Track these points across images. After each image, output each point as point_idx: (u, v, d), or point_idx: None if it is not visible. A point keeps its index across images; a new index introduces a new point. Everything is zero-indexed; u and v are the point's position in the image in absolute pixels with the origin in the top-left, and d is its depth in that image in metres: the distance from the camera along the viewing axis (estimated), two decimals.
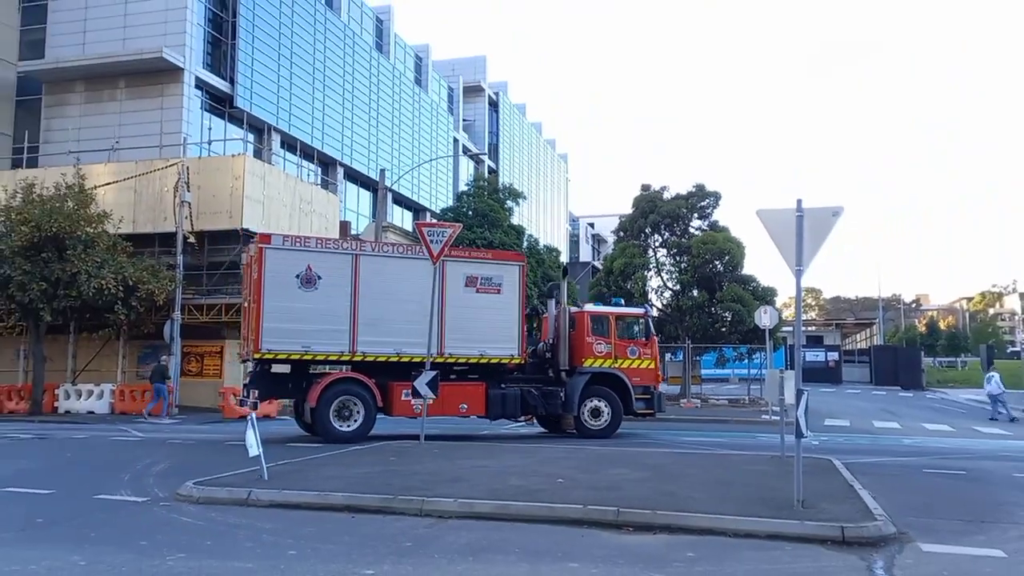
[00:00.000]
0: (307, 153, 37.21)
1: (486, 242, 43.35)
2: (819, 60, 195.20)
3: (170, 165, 25.70)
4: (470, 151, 59.12)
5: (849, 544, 7.22)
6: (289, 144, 36.68)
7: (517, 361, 17.45)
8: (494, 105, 65.03)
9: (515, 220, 52.63)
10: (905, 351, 58.06)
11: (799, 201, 8.96)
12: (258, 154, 32.84)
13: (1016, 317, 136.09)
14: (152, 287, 23.29)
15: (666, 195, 38.66)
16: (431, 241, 14.62)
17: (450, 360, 16.77)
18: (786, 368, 15.93)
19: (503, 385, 17.36)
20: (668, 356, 33.22)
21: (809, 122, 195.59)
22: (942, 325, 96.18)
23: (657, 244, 35.91)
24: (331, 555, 6.77)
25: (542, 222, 73.03)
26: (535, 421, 19.28)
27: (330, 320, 15.76)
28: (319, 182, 35.43)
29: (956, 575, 6.32)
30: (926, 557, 6.84)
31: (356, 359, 16.14)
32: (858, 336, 74.69)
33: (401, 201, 48.76)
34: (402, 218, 48.74)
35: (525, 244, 52.10)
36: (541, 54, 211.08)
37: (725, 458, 13.13)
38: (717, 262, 32.68)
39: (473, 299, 16.91)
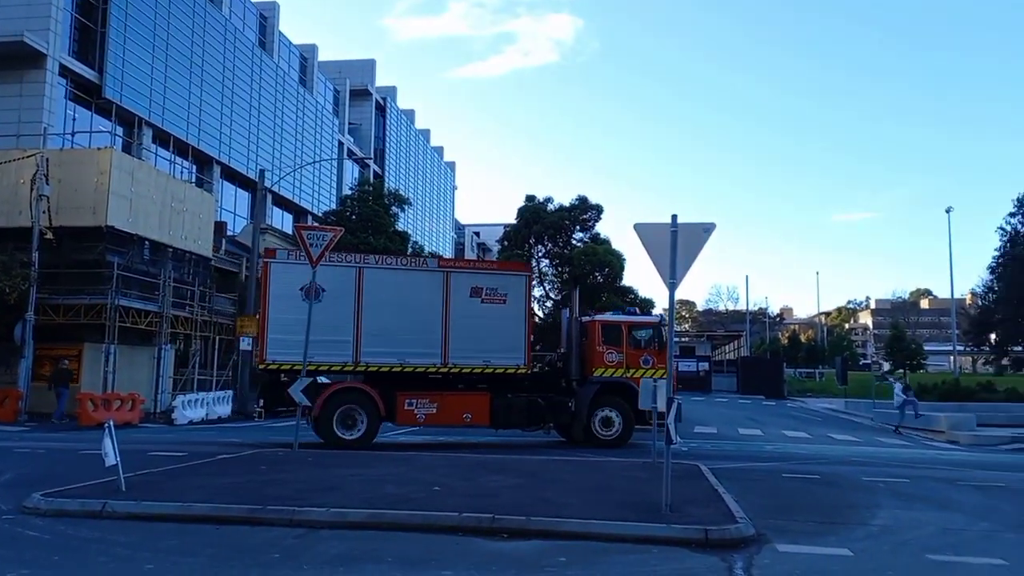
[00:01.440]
0: (181, 149, 35.60)
1: (369, 248, 42.71)
2: (700, 72, 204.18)
3: (28, 156, 23.92)
4: (355, 155, 58.21)
5: (712, 546, 7.52)
6: (162, 139, 34.98)
7: (523, 371, 17.27)
8: (381, 110, 64.33)
9: (400, 226, 52.16)
10: (769, 362, 61.34)
11: (674, 216, 9.30)
12: (127, 148, 31.14)
13: (868, 331, 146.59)
14: (3, 284, 21.63)
15: (550, 207, 39.41)
16: (311, 245, 14.28)
17: (454, 370, 16.82)
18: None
19: (509, 395, 17.21)
20: None
21: (691, 135, 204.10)
22: (803, 338, 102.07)
23: (541, 254, 36.51)
24: (192, 569, 6.46)
25: (428, 229, 72.72)
26: (552, 430, 18.73)
27: (334, 331, 15.98)
28: (194, 180, 33.91)
29: (807, 572, 6.67)
30: (782, 557, 7.20)
31: (360, 369, 16.36)
32: (727, 347, 78.23)
33: (282, 203, 47.42)
34: (282, 220, 47.37)
35: (409, 251, 51.79)
36: (430, 62, 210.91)
37: (600, 464, 13.42)
38: (598, 273, 33.55)
39: (478, 309, 16.97)
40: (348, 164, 58.11)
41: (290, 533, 7.82)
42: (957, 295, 55.94)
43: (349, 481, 10.67)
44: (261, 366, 16.19)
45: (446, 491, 9.88)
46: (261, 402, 16.51)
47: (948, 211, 49.61)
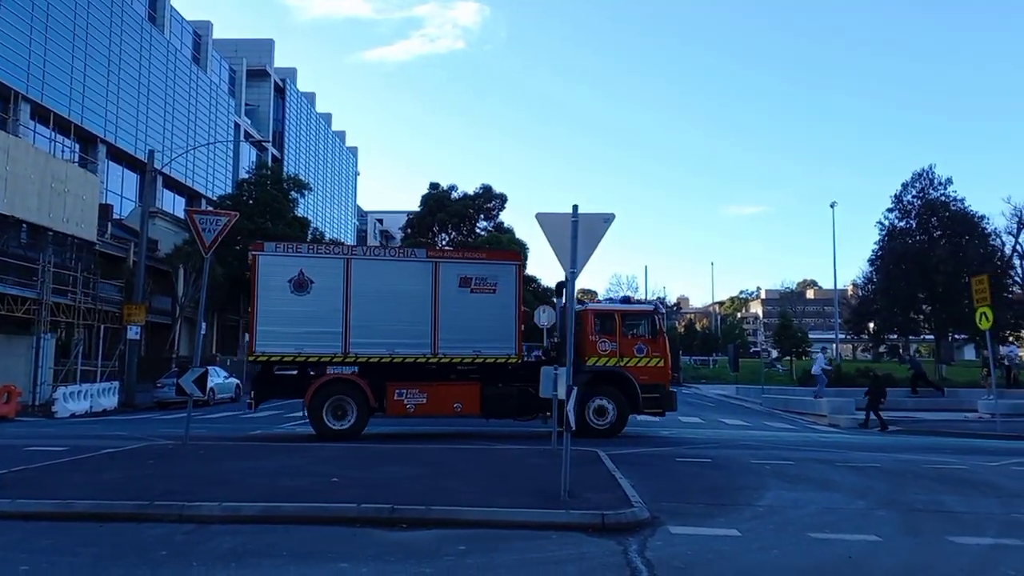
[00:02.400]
0: (63, 127, 33.60)
1: (266, 234, 41.55)
2: (603, 65, 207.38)
3: None
4: (252, 137, 56.40)
5: (609, 530, 7.68)
6: (41, 116, 32.95)
7: (514, 360, 17.14)
8: (280, 92, 62.54)
9: (300, 212, 50.97)
10: None
11: (575, 207, 9.42)
12: (2, 124, 29.17)
13: (758, 320, 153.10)
14: None
15: (455, 195, 39.24)
16: (203, 229, 13.72)
17: (444, 360, 16.77)
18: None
19: (500, 384, 17.17)
20: None
21: (594, 127, 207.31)
22: (698, 326, 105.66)
23: (445, 243, 36.35)
24: (72, 569, 6.14)
25: (329, 215, 71.30)
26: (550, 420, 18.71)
27: (323, 323, 16.14)
28: (76, 160, 32.08)
29: (698, 553, 6.91)
30: (674, 539, 7.43)
31: (349, 360, 16.39)
32: None
33: (173, 186, 45.52)
34: (174, 204, 45.50)
35: (310, 237, 50.63)
36: (333, 45, 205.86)
37: (502, 452, 13.51)
38: None
39: (468, 299, 16.87)
40: (245, 147, 56.27)
41: (179, 529, 7.54)
42: (840, 286, 59.13)
43: (243, 474, 10.37)
44: (251, 358, 16.39)
45: (345, 482, 9.73)
46: (252, 393, 16.87)
47: (832, 206, 52.54)
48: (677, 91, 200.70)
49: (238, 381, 33.03)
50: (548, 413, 17.57)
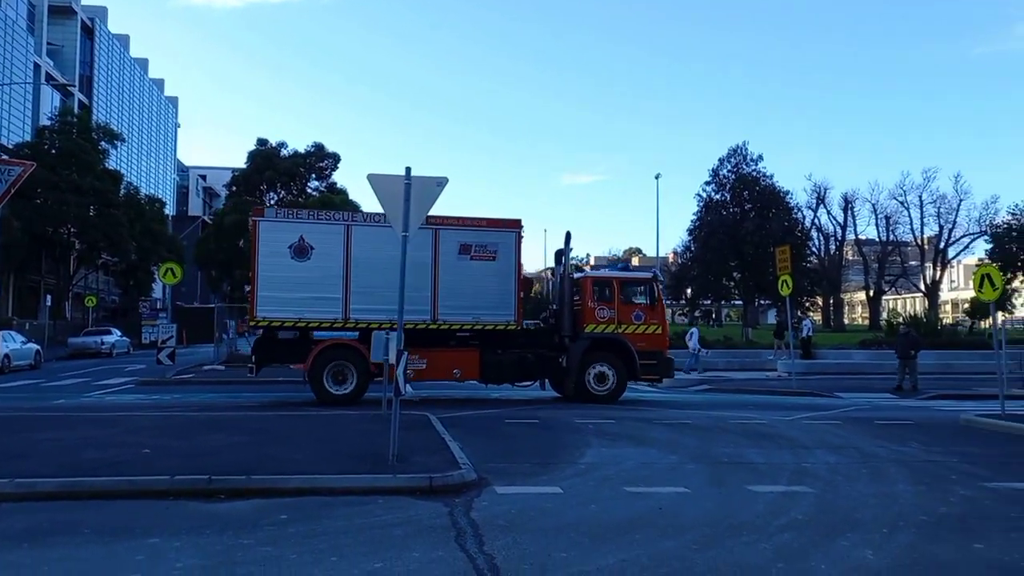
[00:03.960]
0: None
1: (73, 187, 38.28)
2: (440, 34, 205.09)
3: None
4: (55, 80, 51.32)
5: (436, 492, 7.75)
6: None
7: (513, 327, 17.28)
8: (89, 32, 57.20)
9: (112, 164, 47.21)
10: None
11: (408, 169, 9.30)
12: None
13: None
14: None
15: (284, 152, 37.64)
16: None
17: (444, 327, 16.92)
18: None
19: (499, 351, 17.29)
20: None
21: (432, 91, 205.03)
22: (531, 292, 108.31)
23: (273, 202, 34.92)
24: None
25: (145, 169, 66.41)
26: (548, 385, 18.68)
27: (323, 288, 16.32)
28: None
29: (522, 511, 7.12)
30: (499, 498, 7.61)
31: (349, 326, 16.49)
32: None
33: None
34: None
35: (123, 192, 47.05)
36: None
37: (334, 418, 13.25)
38: None
39: (467, 266, 17.03)
40: (47, 90, 51.14)
41: None
42: (662, 254, 62.46)
43: (42, 446, 9.56)
44: (253, 323, 16.62)
45: (158, 453, 9.19)
46: (252, 358, 17.00)
47: (657, 177, 54.88)
48: (515, 62, 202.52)
49: (38, 347, 30.31)
50: (539, 378, 18.22)
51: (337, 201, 32.29)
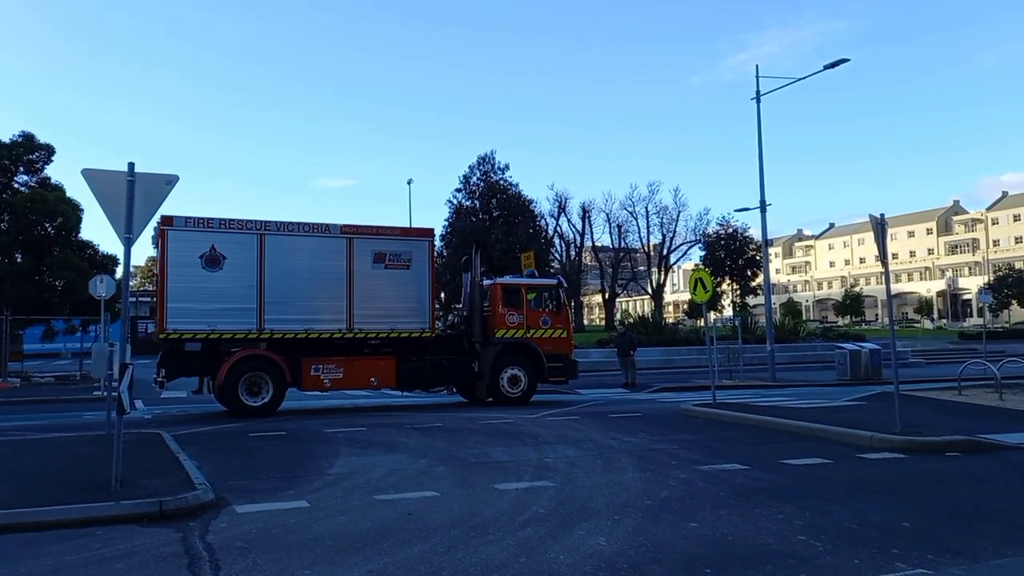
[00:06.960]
0: None
1: None
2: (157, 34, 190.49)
3: None
4: None
5: (168, 518, 7.12)
6: None
7: (428, 335, 17.67)
8: None
9: None
10: None
11: (131, 164, 8.50)
12: None
13: None
14: None
15: None
16: None
17: (359, 335, 16.99)
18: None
19: (415, 358, 17.55)
20: None
21: (180, 82, 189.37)
22: None
23: None
24: None
25: None
26: (455, 392, 19.37)
27: (236, 299, 15.99)
28: None
29: (264, 529, 6.73)
30: (240, 518, 7.15)
31: (264, 336, 16.24)
32: None
33: None
34: None
35: None
36: None
37: (40, 443, 11.75)
38: (48, 225, 29.25)
39: (382, 275, 17.17)
40: None
41: None
42: None
43: None
44: (162, 335, 15.90)
45: None
46: (162, 372, 16.03)
47: (409, 183, 55.73)
48: (265, 72, 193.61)
49: None
50: (453, 384, 18.77)
51: (52, 199, 28.68)
